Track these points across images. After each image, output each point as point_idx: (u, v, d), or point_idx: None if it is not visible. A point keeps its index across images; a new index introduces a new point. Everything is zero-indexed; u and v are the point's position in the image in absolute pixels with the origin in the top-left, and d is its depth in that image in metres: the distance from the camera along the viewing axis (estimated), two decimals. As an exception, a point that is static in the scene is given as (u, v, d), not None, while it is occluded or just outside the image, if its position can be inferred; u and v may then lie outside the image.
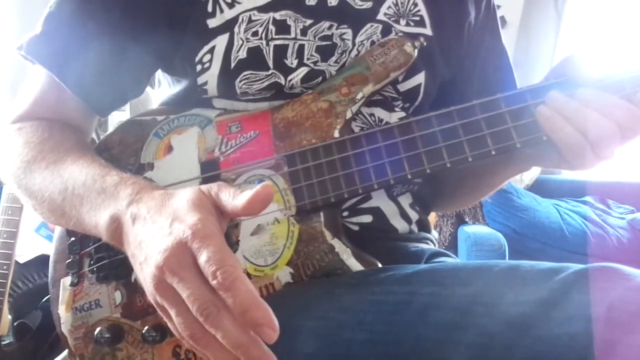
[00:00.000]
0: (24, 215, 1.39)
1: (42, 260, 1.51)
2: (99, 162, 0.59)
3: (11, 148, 0.66)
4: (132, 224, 0.48)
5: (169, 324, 0.45)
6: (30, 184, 0.62)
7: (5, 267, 1.38)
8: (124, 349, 0.61)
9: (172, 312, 0.43)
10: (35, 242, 1.52)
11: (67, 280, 0.63)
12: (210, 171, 0.63)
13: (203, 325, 0.42)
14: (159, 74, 0.77)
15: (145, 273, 0.45)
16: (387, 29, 0.70)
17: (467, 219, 2.31)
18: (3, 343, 1.42)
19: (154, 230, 0.45)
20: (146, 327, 0.60)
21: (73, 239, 0.65)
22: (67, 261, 0.64)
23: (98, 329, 0.60)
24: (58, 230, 0.68)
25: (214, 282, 0.40)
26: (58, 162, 0.61)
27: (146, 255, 0.45)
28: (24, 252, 1.49)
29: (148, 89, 0.78)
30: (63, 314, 0.62)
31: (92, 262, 0.63)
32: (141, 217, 0.48)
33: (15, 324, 1.45)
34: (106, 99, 0.71)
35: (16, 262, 1.42)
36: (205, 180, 0.63)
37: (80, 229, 0.57)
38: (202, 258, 0.41)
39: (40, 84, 0.70)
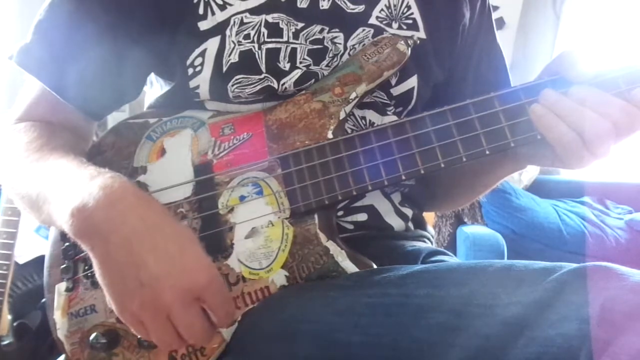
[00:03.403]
0: (23, 216, 1.39)
1: (42, 260, 1.50)
2: (79, 160, 0.59)
3: (6, 149, 0.66)
4: (119, 226, 0.49)
5: (135, 330, 0.51)
6: (15, 182, 0.63)
7: (5, 268, 1.38)
8: (120, 354, 0.60)
9: (156, 330, 0.50)
10: (34, 242, 1.51)
11: (62, 286, 0.63)
12: (203, 174, 0.63)
13: (179, 338, 0.50)
14: (152, 76, 0.76)
15: (143, 293, 0.48)
16: (378, 34, 0.70)
17: (465, 220, 2.31)
18: (3, 343, 1.42)
19: (161, 253, 0.49)
20: (142, 332, 0.60)
21: (67, 243, 0.64)
22: (62, 266, 0.64)
23: (94, 335, 0.60)
24: (52, 235, 0.68)
25: (222, 316, 0.52)
26: (40, 160, 0.61)
27: (152, 276, 0.48)
28: (24, 253, 1.49)
29: (146, 88, 0.78)
30: (59, 319, 0.62)
31: (86, 267, 0.62)
32: (131, 225, 0.49)
33: (15, 324, 1.46)
34: (100, 105, 0.71)
35: (16, 262, 1.42)
36: (198, 184, 0.63)
37: (51, 222, 0.57)
38: (215, 297, 0.51)
39: (36, 88, 0.70)
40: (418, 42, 0.68)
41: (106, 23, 0.66)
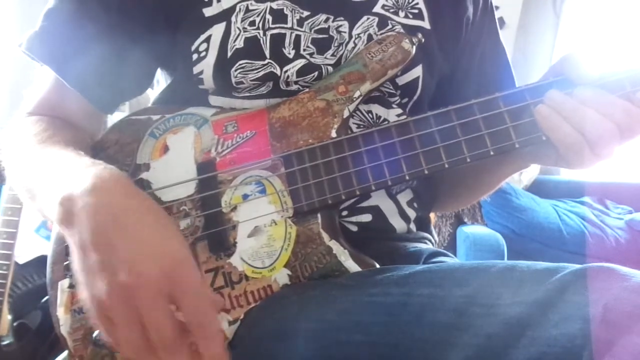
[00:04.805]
0: (23, 216, 1.39)
1: (42, 260, 1.50)
2: (77, 152, 0.58)
3: (14, 141, 0.67)
4: (99, 211, 0.47)
5: (103, 327, 0.45)
6: (18, 173, 0.63)
7: (5, 268, 1.38)
8: None
9: (123, 324, 0.44)
10: (34, 242, 1.52)
11: (65, 283, 0.63)
12: (206, 172, 0.63)
13: (148, 346, 0.44)
14: (158, 74, 0.77)
15: (111, 278, 0.44)
16: (383, 22, 0.70)
17: (465, 220, 2.31)
18: (3, 343, 1.42)
19: (135, 239, 0.45)
20: (144, 329, 0.60)
21: (70, 240, 0.64)
22: (65, 263, 0.64)
23: (97, 331, 0.60)
24: (55, 232, 0.68)
25: (195, 326, 0.44)
26: (44, 151, 0.61)
27: (121, 260, 0.44)
28: (24, 253, 1.49)
29: (148, 90, 0.78)
30: (62, 316, 0.62)
31: (89, 264, 0.63)
32: (111, 212, 0.47)
33: (15, 324, 1.46)
34: (107, 96, 0.72)
35: (16, 262, 1.42)
36: (201, 182, 0.63)
37: (43, 211, 0.56)
38: (188, 298, 0.44)
39: (46, 84, 0.71)
40: (423, 40, 0.68)
41: (108, 23, 0.67)
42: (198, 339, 0.44)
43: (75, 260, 0.47)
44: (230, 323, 0.59)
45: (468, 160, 0.59)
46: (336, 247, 0.60)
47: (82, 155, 0.57)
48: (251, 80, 0.67)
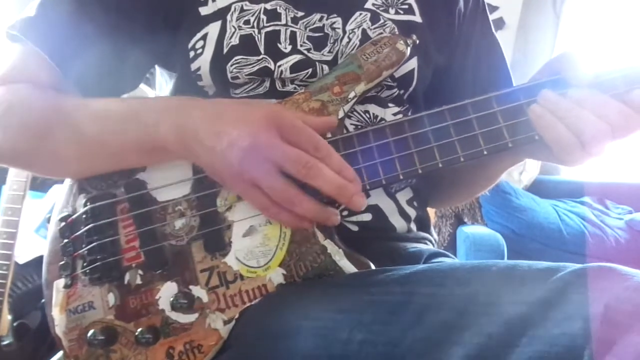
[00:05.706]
0: (23, 216, 1.39)
1: (42, 260, 1.51)
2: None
3: (8, 107, 0.65)
4: (202, 122, 0.57)
5: (254, 196, 0.57)
6: (55, 131, 0.63)
7: (5, 268, 1.38)
8: (118, 351, 0.60)
9: (268, 177, 0.54)
10: (34, 242, 1.52)
11: (60, 283, 0.63)
12: (202, 172, 0.62)
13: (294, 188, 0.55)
14: (158, 75, 0.77)
15: (236, 151, 0.54)
16: (375, 17, 0.72)
17: (465, 220, 2.31)
18: (3, 343, 1.43)
19: (232, 117, 0.56)
20: (140, 329, 0.60)
21: (66, 240, 0.64)
22: (61, 263, 0.64)
23: (91, 331, 0.60)
24: (51, 232, 0.68)
25: (314, 149, 0.55)
26: (80, 104, 0.64)
27: (237, 134, 0.54)
28: (24, 253, 1.49)
29: (148, 90, 0.78)
30: (57, 315, 0.62)
31: (85, 264, 0.62)
32: (206, 118, 0.57)
33: (15, 324, 1.46)
34: (103, 93, 0.71)
35: (16, 262, 1.42)
36: (198, 182, 0.63)
37: (136, 141, 0.61)
38: (300, 133, 0.56)
39: (32, 59, 0.67)
40: (417, 42, 0.68)
41: (107, 23, 0.67)
42: (323, 158, 0.55)
43: (209, 166, 0.59)
44: (226, 322, 0.59)
45: (462, 159, 0.59)
46: (330, 247, 0.60)
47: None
48: (246, 75, 0.68)
